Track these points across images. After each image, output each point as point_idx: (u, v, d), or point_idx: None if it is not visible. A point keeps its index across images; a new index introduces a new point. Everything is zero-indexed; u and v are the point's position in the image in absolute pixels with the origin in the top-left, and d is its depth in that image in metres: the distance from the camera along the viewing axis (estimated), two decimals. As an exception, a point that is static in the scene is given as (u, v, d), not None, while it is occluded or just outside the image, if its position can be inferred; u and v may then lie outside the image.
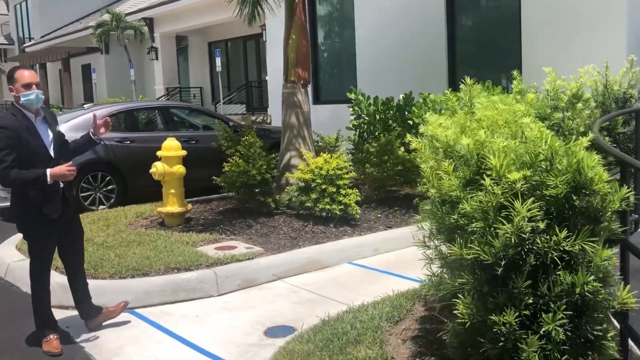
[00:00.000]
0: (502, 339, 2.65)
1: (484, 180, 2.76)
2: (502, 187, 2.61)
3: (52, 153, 4.17)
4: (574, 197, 2.59)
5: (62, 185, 4.23)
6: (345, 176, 6.72)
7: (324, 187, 6.62)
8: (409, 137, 3.91)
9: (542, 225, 2.56)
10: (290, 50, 7.43)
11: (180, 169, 6.76)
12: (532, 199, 2.57)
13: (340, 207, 6.59)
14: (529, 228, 2.53)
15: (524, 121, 2.99)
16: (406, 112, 8.53)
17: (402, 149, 7.70)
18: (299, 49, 7.45)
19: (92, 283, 4.76)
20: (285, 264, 5.65)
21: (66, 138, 4.45)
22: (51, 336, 4.26)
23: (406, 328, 4.42)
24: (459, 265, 3.02)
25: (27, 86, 4.05)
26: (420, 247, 3.56)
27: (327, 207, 6.56)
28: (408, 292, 4.94)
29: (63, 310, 4.80)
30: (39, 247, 4.22)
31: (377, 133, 8.90)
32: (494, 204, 2.61)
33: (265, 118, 12.49)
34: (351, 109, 9.20)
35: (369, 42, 11.35)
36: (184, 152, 6.87)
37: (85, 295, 4.54)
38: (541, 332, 2.56)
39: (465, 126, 3.33)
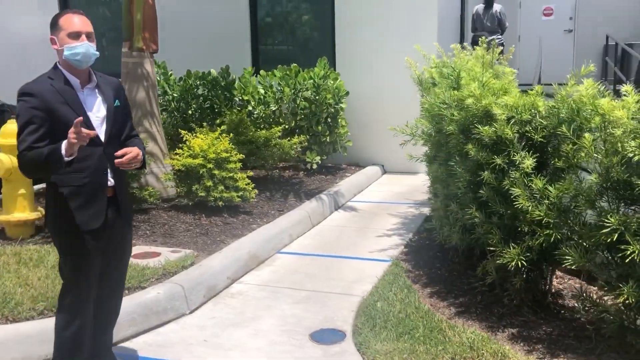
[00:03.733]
0: None
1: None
2: None
3: (102, 136, 2.92)
4: None
5: (111, 179, 2.95)
6: (233, 158, 6.01)
7: (215, 172, 5.81)
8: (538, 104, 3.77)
9: None
10: (135, 9, 6.18)
11: (31, 160, 5.10)
12: None
13: (238, 194, 5.89)
14: None
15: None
16: (226, 89, 7.95)
17: (253, 127, 7.20)
18: (146, 9, 6.25)
19: (38, 325, 3.51)
20: (233, 263, 4.84)
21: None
22: None
23: (433, 305, 4.31)
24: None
25: (75, 35, 2.81)
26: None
27: (225, 195, 5.79)
28: (392, 271, 4.84)
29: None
30: (73, 266, 2.89)
31: (190, 112, 8.11)
32: None
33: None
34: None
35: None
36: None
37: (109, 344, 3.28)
38: None
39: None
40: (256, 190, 6.12)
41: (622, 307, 3.37)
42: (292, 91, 7.64)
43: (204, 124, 7.55)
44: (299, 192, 7.01)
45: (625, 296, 3.13)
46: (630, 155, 3.11)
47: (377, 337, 3.77)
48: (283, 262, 5.18)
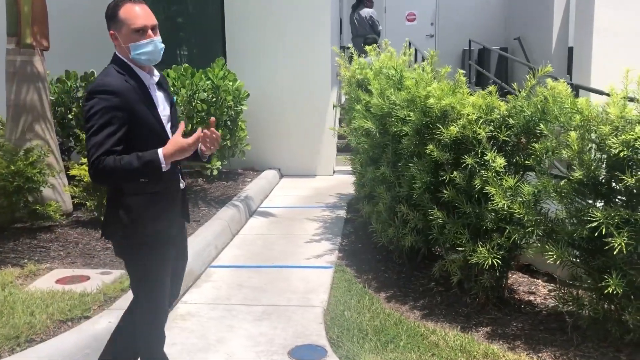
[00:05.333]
0: None
1: None
2: None
3: (169, 134, 2.59)
4: None
5: (182, 181, 2.75)
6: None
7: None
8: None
9: None
10: (23, 1, 5.42)
11: None
12: None
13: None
14: None
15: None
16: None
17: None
18: (35, 1, 5.51)
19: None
20: (172, 281, 4.39)
21: None
22: None
23: (396, 310, 4.25)
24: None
25: (140, 31, 2.48)
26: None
27: (141, 206, 5.26)
28: (342, 278, 4.71)
29: None
30: (153, 281, 2.62)
31: (70, 116, 7.34)
32: None
33: None
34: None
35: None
36: None
37: None
38: None
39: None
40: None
41: (597, 299, 3.53)
42: (189, 93, 7.18)
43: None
44: (206, 199, 6.61)
45: (613, 287, 3.26)
46: (615, 151, 3.25)
47: (362, 349, 3.61)
48: (221, 277, 4.81)
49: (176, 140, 2.35)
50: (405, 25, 13.13)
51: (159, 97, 2.61)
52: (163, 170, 2.37)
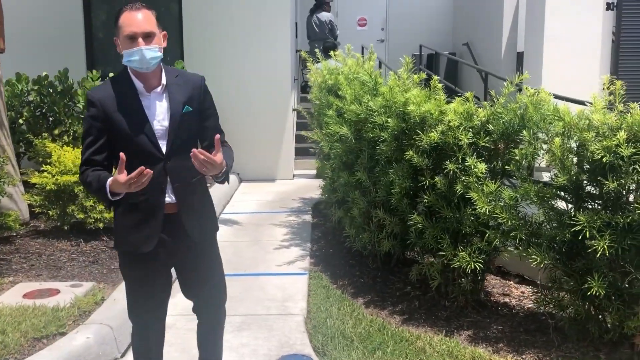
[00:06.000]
0: None
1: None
2: None
3: (163, 148, 2.50)
4: None
5: (171, 196, 2.55)
6: (110, 173, 5.30)
7: (92, 190, 5.07)
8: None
9: None
10: (-23, 3, 5.16)
11: None
12: None
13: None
14: None
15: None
16: (66, 94, 7.01)
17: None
18: (-11, 3, 5.25)
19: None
20: (146, 292, 4.25)
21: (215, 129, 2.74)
22: None
23: (375, 315, 4.24)
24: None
25: (131, 38, 2.41)
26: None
27: (107, 215, 5.08)
28: (319, 284, 4.67)
29: None
30: (130, 288, 2.70)
31: (20, 121, 7.02)
32: None
33: None
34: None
35: None
36: None
37: None
38: None
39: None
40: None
41: (578, 301, 3.61)
42: (147, 97, 6.98)
43: (44, 134, 6.57)
44: (168, 206, 6.44)
45: (596, 289, 3.35)
46: (597, 157, 3.33)
47: (349, 356, 3.58)
48: (194, 286, 4.69)
49: (115, 177, 2.30)
50: (357, 30, 13.21)
51: (158, 107, 2.49)
52: (112, 200, 2.37)
